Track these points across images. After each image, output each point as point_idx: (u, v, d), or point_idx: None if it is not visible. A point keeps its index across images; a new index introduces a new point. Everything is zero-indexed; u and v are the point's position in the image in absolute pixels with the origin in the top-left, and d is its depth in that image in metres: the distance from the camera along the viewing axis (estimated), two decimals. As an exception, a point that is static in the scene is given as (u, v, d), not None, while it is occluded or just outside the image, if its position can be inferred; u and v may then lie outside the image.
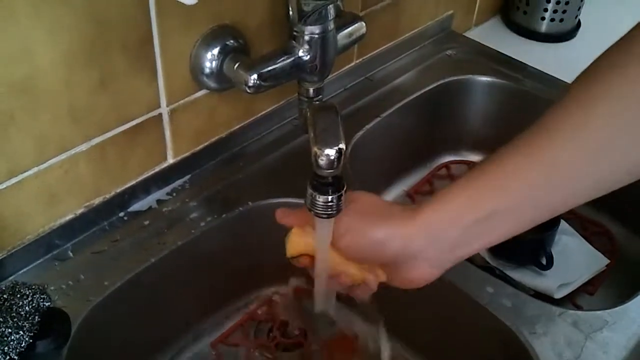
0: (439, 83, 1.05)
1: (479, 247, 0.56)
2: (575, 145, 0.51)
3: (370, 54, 1.03)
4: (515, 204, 0.53)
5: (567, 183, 0.52)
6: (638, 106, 0.49)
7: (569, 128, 0.51)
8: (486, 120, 1.09)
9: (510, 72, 1.07)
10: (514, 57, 1.10)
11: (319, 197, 0.54)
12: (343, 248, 0.58)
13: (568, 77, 1.03)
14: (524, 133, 0.54)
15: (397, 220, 0.56)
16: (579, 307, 0.90)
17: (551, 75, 1.06)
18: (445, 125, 1.10)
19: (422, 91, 1.03)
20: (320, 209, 0.55)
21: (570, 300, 0.91)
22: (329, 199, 0.54)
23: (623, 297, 0.73)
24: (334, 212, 0.55)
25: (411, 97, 1.01)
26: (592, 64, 0.52)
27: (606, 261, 0.94)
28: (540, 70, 1.07)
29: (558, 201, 0.54)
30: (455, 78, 1.06)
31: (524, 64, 1.09)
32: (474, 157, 1.12)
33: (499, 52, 1.12)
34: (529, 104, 1.04)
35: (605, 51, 0.52)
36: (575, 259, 0.94)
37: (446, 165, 1.12)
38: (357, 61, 1.02)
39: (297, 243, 0.61)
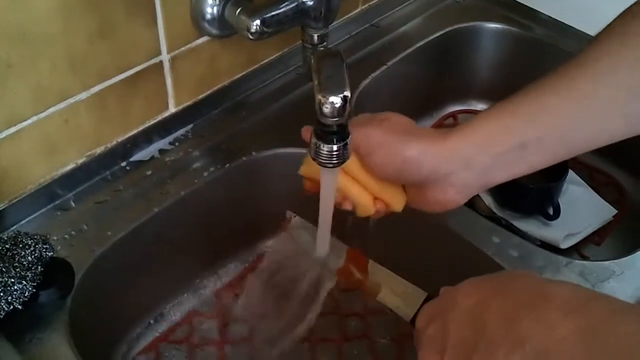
0: (446, 30, 1.02)
1: (506, 177, 0.56)
2: (610, 82, 0.51)
3: (375, 0, 1.01)
4: (545, 136, 0.53)
5: (599, 119, 0.52)
6: None
7: (604, 63, 0.51)
8: (495, 69, 1.07)
9: (520, 18, 1.05)
10: (524, 2, 1.07)
11: (323, 146, 0.53)
12: (375, 164, 0.56)
13: (581, 24, 1.00)
14: (559, 67, 0.53)
15: (430, 140, 0.55)
16: (585, 258, 0.89)
17: (563, 22, 1.03)
18: (453, 74, 1.08)
19: (429, 39, 1.01)
20: (325, 158, 0.54)
21: (577, 251, 0.90)
22: (334, 148, 0.53)
23: (630, 248, 0.73)
24: (339, 161, 0.54)
25: (418, 45, 0.99)
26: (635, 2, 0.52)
27: (614, 211, 0.94)
28: (551, 17, 1.05)
29: (589, 137, 0.53)
30: (463, 25, 1.04)
31: (535, 10, 1.06)
32: (482, 107, 1.10)
33: (508, -3, 1.09)
34: (540, 52, 1.01)
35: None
36: (583, 209, 0.93)
37: (453, 115, 1.11)
38: (363, 7, 1.00)
39: (313, 164, 0.57)
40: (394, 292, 0.59)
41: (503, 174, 0.55)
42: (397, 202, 0.60)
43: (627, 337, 0.37)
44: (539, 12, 1.06)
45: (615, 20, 0.53)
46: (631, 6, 0.52)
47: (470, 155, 0.54)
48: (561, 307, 0.40)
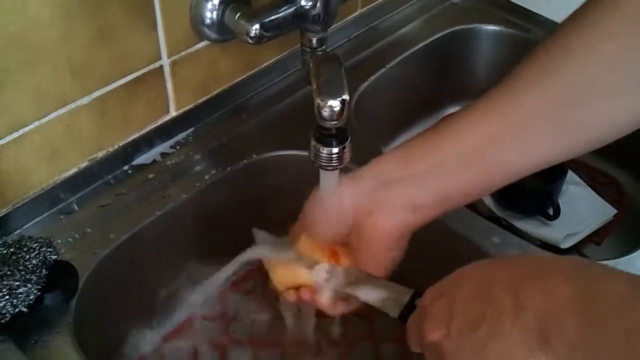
0: (445, 32, 1.03)
1: (434, 200, 0.55)
2: (532, 97, 0.50)
3: (374, 3, 1.01)
4: (467, 155, 0.53)
5: (525, 138, 0.51)
6: (598, 65, 0.48)
7: (528, 81, 0.50)
8: (493, 71, 1.08)
9: (518, 21, 1.05)
10: (522, 5, 1.08)
11: (322, 149, 0.54)
12: (313, 229, 0.60)
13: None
14: (491, 88, 0.53)
15: (345, 179, 0.57)
16: (585, 257, 0.90)
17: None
18: (452, 76, 1.08)
19: (428, 41, 1.01)
20: (324, 161, 0.54)
21: (577, 251, 0.91)
22: (333, 151, 0.54)
23: (630, 247, 0.73)
24: (338, 164, 0.55)
25: (417, 47, 1.00)
26: (563, 20, 0.52)
27: (613, 211, 0.94)
28: (549, 19, 1.05)
29: (515, 158, 0.52)
30: (461, 27, 1.04)
31: (533, 12, 1.07)
32: (481, 108, 1.11)
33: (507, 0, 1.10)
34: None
35: (577, 8, 0.51)
36: (582, 209, 0.93)
37: (452, 116, 1.11)
38: (361, 10, 1.00)
39: (283, 275, 0.62)
40: (376, 290, 0.57)
41: (425, 193, 0.54)
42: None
43: (617, 297, 0.38)
44: (537, 14, 1.06)
45: (550, 34, 0.52)
46: (565, 20, 0.52)
47: (385, 171, 0.55)
48: (564, 275, 0.41)
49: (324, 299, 0.59)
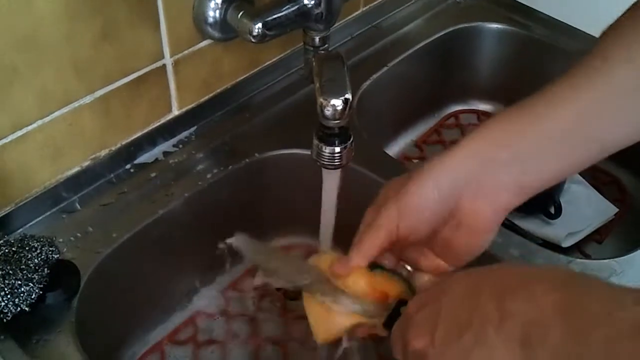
0: (447, 31, 1.03)
1: (534, 178, 0.51)
2: (626, 76, 0.49)
3: (377, 2, 1.01)
4: (563, 133, 0.50)
5: (620, 117, 0.50)
6: None
7: (621, 57, 0.49)
8: (496, 69, 1.08)
9: (521, 19, 1.05)
10: (525, 3, 1.08)
11: (325, 148, 0.54)
12: (404, 234, 0.52)
13: (581, 24, 1.00)
14: (577, 63, 0.51)
15: (430, 169, 0.51)
16: (587, 256, 0.90)
17: (564, 23, 1.03)
18: (454, 74, 1.08)
19: (431, 39, 1.01)
20: (327, 159, 0.54)
21: (579, 249, 0.91)
22: (336, 150, 0.54)
23: (631, 246, 0.73)
24: (341, 163, 0.55)
25: (419, 46, 1.00)
26: (624, 13, 0.51)
27: (615, 210, 0.94)
28: (552, 18, 1.05)
29: (610, 137, 0.51)
30: (464, 25, 1.04)
31: (536, 10, 1.06)
32: (483, 107, 1.10)
33: (509, -2, 1.10)
34: (540, 52, 1.02)
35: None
36: (584, 207, 0.93)
37: (455, 115, 1.11)
38: (364, 9, 1.00)
39: (326, 324, 0.53)
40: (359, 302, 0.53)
41: (531, 173, 0.51)
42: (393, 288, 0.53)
43: (598, 305, 0.38)
44: (540, 12, 1.06)
45: (616, 22, 0.51)
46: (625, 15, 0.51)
47: (486, 151, 0.50)
48: (548, 283, 0.41)
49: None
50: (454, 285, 0.46)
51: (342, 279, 0.52)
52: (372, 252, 0.52)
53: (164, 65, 0.76)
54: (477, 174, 0.50)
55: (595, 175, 1.00)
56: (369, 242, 0.52)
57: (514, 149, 0.50)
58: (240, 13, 0.73)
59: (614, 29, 0.51)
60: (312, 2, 0.73)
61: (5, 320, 0.60)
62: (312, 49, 0.79)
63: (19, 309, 0.60)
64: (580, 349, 0.37)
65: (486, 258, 0.71)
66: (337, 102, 0.50)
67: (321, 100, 0.50)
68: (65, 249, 0.69)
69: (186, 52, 0.77)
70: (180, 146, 0.82)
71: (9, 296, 0.59)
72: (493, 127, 0.51)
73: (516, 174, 0.50)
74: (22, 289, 0.60)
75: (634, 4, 0.51)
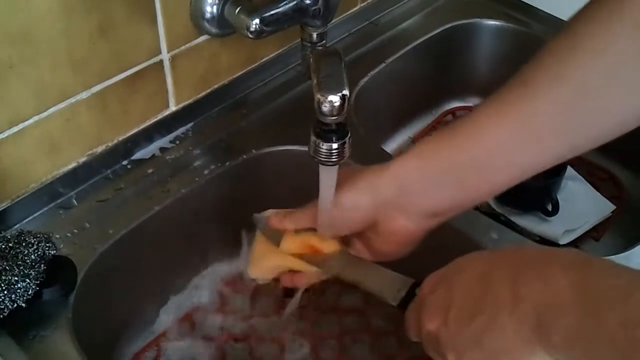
0: (445, 27, 1.03)
1: (452, 204, 0.56)
2: (547, 100, 0.50)
3: (375, -2, 1.01)
4: (484, 158, 0.53)
5: (538, 140, 0.51)
6: (613, 62, 0.48)
7: (541, 82, 0.50)
8: (493, 66, 1.08)
9: (519, 15, 1.05)
10: (523, 0, 1.08)
11: (322, 145, 0.54)
12: (332, 229, 0.60)
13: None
14: (502, 87, 0.53)
15: (362, 179, 0.57)
16: (583, 253, 0.90)
17: (561, 19, 1.03)
18: (452, 71, 1.08)
19: (428, 36, 1.01)
20: (324, 156, 0.54)
21: (576, 246, 0.91)
22: (333, 147, 0.54)
23: (628, 243, 0.73)
24: (338, 159, 0.54)
25: (417, 42, 1.00)
26: (572, 16, 0.51)
27: (612, 207, 0.94)
28: (550, 14, 1.05)
29: (527, 160, 0.53)
30: (462, 22, 1.04)
31: (534, 7, 1.06)
32: (481, 103, 1.10)
33: (507, -6, 1.10)
34: (538, 49, 1.01)
35: (587, 4, 0.51)
36: (581, 205, 0.93)
37: (452, 112, 1.11)
38: (362, 5, 1.00)
39: (265, 259, 0.64)
40: (376, 277, 0.59)
41: (446, 201, 0.55)
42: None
43: (613, 289, 0.38)
44: (537, 9, 1.06)
45: (558, 34, 0.52)
46: (574, 17, 0.52)
47: (407, 180, 0.55)
48: (561, 265, 0.41)
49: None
50: (467, 267, 0.47)
51: (281, 235, 0.62)
52: (300, 224, 0.61)
53: (161, 61, 0.76)
54: (397, 199, 0.55)
55: (592, 172, 1.00)
56: (301, 216, 0.61)
57: (429, 180, 0.54)
58: (238, 9, 0.73)
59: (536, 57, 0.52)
60: (310, -2, 0.73)
61: (1, 316, 0.60)
62: (309, 45, 0.79)
63: (15, 304, 0.60)
64: (595, 332, 0.38)
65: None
66: (335, 99, 0.50)
67: (318, 96, 0.50)
68: (62, 245, 0.69)
69: (183, 47, 0.77)
70: (177, 142, 0.82)
71: (5, 292, 0.59)
72: (418, 152, 0.56)
73: (429, 202, 0.55)
74: (19, 285, 0.60)
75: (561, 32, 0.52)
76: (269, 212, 0.64)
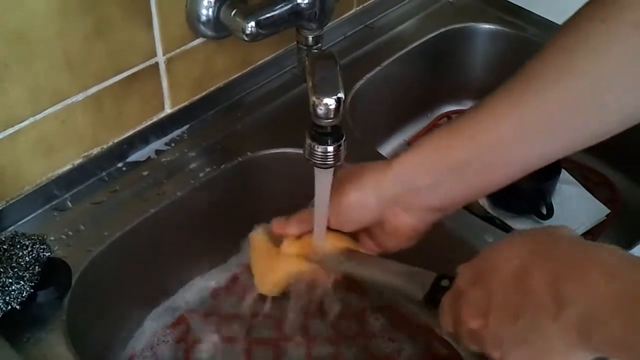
0: (441, 31, 1.03)
1: (455, 200, 0.57)
2: (549, 98, 0.51)
3: (370, 1, 1.01)
4: (486, 156, 0.53)
5: (540, 137, 0.52)
6: (614, 61, 0.49)
7: (543, 81, 0.51)
8: (489, 69, 1.08)
9: (514, 19, 1.05)
10: (518, 4, 1.08)
11: (317, 147, 0.54)
12: (333, 226, 0.60)
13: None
14: (504, 84, 0.53)
15: (367, 177, 0.57)
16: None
17: (556, 24, 1.04)
18: (447, 74, 1.08)
19: (424, 39, 1.01)
20: (319, 159, 0.54)
21: (570, 250, 0.91)
22: (328, 149, 0.54)
23: (623, 247, 0.73)
24: (333, 162, 0.54)
25: (412, 46, 1.00)
26: (572, 16, 0.52)
27: (606, 211, 0.94)
28: (545, 18, 1.05)
29: (531, 156, 0.53)
30: (457, 26, 1.04)
31: (529, 11, 1.07)
32: (476, 107, 1.11)
33: (502, -2, 1.10)
34: (533, 53, 1.02)
35: (586, 3, 0.51)
36: (576, 208, 0.94)
37: (447, 115, 1.11)
38: (357, 8, 1.00)
39: (272, 271, 0.64)
40: (392, 271, 0.59)
41: (450, 197, 0.56)
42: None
43: None
44: (532, 13, 1.06)
45: (558, 32, 0.53)
46: (573, 17, 0.52)
47: (411, 178, 0.56)
48: (606, 271, 0.41)
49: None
50: (502, 263, 0.47)
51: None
52: (303, 229, 0.62)
53: (157, 64, 0.76)
54: (401, 196, 0.56)
55: (586, 176, 1.01)
56: (303, 220, 0.62)
57: (433, 177, 0.55)
58: (233, 11, 0.73)
59: (537, 56, 0.53)
60: (306, 1, 0.73)
61: (-5, 318, 0.60)
62: (305, 48, 0.79)
63: (9, 307, 0.60)
64: None
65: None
66: (330, 102, 0.50)
67: (314, 99, 0.50)
68: (56, 247, 0.69)
69: (179, 50, 0.77)
70: (173, 145, 0.82)
71: (-1, 294, 0.59)
72: (422, 150, 0.56)
73: (434, 199, 0.56)
74: (13, 287, 0.60)
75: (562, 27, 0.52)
76: (261, 229, 0.66)
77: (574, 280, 0.42)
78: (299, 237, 0.63)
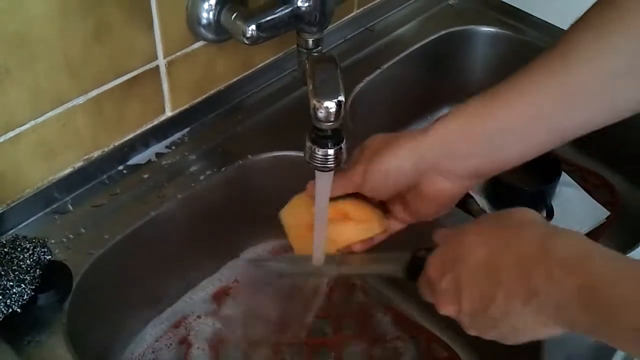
0: (441, 34, 1.03)
1: (493, 166, 0.56)
2: (587, 71, 0.51)
3: (370, 4, 1.02)
4: (523, 123, 0.53)
5: (579, 108, 0.52)
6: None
7: (582, 53, 0.51)
8: (488, 72, 1.08)
9: (513, 22, 1.06)
10: (518, 7, 1.08)
11: (318, 150, 0.54)
12: (369, 192, 0.59)
13: (572, 27, 1.01)
14: (540, 55, 0.53)
15: (404, 143, 0.56)
16: (578, 259, 0.90)
17: (556, 26, 1.04)
18: (447, 77, 1.09)
19: (424, 42, 1.01)
20: (320, 162, 0.54)
21: (570, 252, 0.91)
22: (329, 152, 0.54)
23: (623, 250, 0.73)
24: (334, 165, 0.55)
25: (412, 48, 1.00)
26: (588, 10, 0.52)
27: (606, 213, 0.94)
28: (544, 21, 1.05)
29: (568, 126, 0.53)
30: (457, 28, 1.05)
31: (528, 14, 1.07)
32: (476, 109, 1.11)
33: (502, 1, 1.10)
34: (533, 55, 1.01)
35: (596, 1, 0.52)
36: (575, 211, 0.94)
37: (447, 118, 1.11)
38: (358, 11, 1.00)
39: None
40: (376, 262, 0.61)
41: (488, 162, 0.56)
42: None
43: (619, 298, 0.41)
44: (532, 16, 1.07)
45: (589, 11, 0.53)
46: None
47: (449, 144, 0.55)
48: (561, 264, 0.44)
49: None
50: (469, 251, 0.50)
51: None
52: (334, 193, 0.59)
53: (157, 67, 0.76)
54: (439, 161, 0.55)
55: (586, 179, 1.01)
56: (338, 182, 0.58)
57: (472, 142, 0.55)
58: (234, 15, 0.73)
59: (578, 25, 0.53)
60: (306, 4, 0.73)
61: (-4, 321, 0.60)
62: (305, 51, 0.79)
63: (10, 310, 0.60)
64: (611, 334, 0.43)
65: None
66: (330, 104, 0.50)
67: (314, 102, 0.50)
68: (57, 250, 0.69)
69: (179, 53, 0.77)
70: (173, 147, 0.82)
71: (0, 297, 0.59)
72: (458, 118, 0.56)
73: (472, 166, 0.56)
74: (14, 290, 0.60)
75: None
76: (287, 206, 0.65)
77: (538, 271, 0.45)
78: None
